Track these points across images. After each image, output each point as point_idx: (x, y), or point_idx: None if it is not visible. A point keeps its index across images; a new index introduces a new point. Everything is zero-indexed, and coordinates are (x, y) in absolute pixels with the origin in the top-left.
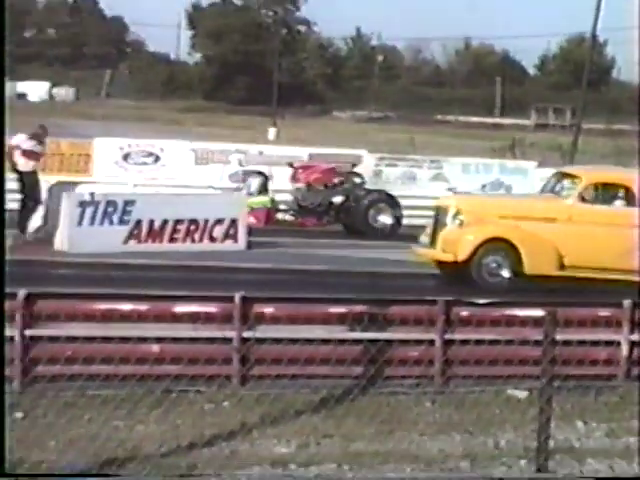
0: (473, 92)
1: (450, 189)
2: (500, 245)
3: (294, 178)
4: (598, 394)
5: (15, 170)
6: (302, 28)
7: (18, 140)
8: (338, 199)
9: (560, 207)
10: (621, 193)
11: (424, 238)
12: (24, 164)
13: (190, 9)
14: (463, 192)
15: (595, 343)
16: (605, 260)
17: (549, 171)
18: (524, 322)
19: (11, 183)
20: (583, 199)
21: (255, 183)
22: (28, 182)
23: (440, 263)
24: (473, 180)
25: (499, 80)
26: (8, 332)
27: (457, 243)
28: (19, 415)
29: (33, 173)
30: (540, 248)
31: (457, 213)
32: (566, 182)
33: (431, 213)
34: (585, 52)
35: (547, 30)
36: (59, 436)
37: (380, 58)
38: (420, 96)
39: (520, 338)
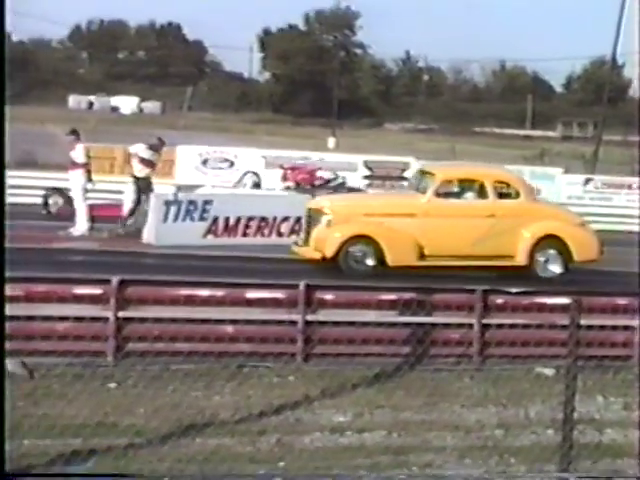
0: (507, 107)
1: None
2: (364, 241)
3: (284, 178)
4: (616, 372)
5: (131, 175)
6: (358, 51)
7: (137, 149)
8: None
9: (418, 203)
10: (474, 187)
11: (300, 237)
12: (140, 170)
13: (261, 34)
14: (333, 195)
15: (614, 328)
16: (460, 248)
17: (573, 177)
18: (552, 309)
19: (127, 186)
20: (439, 194)
21: (249, 181)
22: (142, 186)
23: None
24: None
25: (530, 97)
26: (103, 313)
27: (325, 241)
28: (112, 385)
29: (146, 179)
30: (400, 241)
31: (327, 214)
32: (426, 179)
33: None
34: (605, 73)
35: (572, 54)
36: (147, 404)
37: (426, 77)
38: (460, 111)
39: (549, 323)
